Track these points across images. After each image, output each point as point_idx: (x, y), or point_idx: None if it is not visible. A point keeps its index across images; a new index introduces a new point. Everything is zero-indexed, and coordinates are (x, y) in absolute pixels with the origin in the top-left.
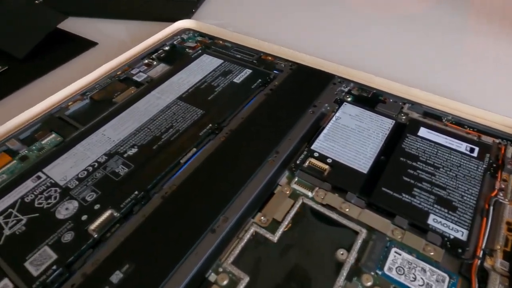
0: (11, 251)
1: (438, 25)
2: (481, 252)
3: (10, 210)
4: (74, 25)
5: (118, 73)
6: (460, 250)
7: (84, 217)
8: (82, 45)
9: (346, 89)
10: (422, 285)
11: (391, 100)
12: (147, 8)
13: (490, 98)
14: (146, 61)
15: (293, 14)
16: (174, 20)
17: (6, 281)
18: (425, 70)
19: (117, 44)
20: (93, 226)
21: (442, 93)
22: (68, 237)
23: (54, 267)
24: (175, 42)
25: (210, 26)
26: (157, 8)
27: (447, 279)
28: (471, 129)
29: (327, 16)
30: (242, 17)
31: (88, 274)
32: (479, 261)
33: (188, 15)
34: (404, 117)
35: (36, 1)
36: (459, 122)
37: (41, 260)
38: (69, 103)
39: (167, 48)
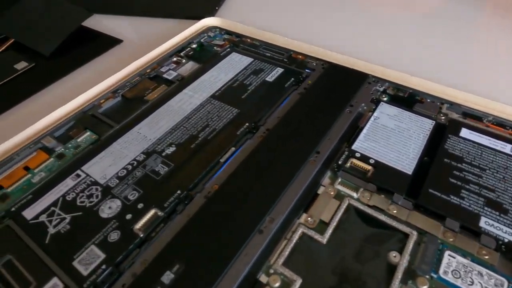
0: (57, 250)
1: (472, 24)
2: None
3: (52, 208)
4: (99, 22)
5: (147, 71)
6: None
7: (128, 216)
8: (107, 42)
9: (381, 89)
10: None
11: (428, 100)
12: (169, 5)
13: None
14: (175, 59)
15: (316, 10)
16: (197, 17)
17: (55, 280)
18: (460, 69)
19: (142, 41)
20: (138, 226)
21: (480, 93)
22: (114, 236)
23: (104, 266)
24: (202, 40)
25: (236, 24)
26: (180, 5)
27: (506, 283)
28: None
29: (354, 14)
30: (265, 14)
31: (138, 274)
32: None
33: (211, 12)
34: (443, 118)
35: None
36: (501, 123)
37: (89, 259)
38: (101, 101)
39: (194, 46)
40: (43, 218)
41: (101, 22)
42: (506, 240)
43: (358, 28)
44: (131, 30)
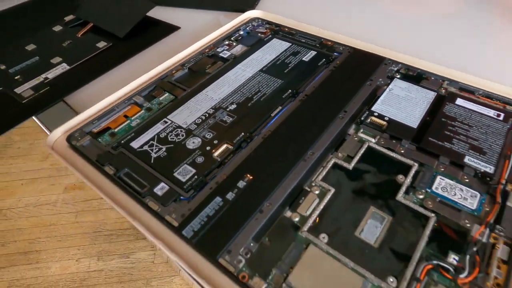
0: (161, 166)
1: (472, 22)
2: (504, 181)
3: (151, 141)
4: (160, 12)
5: (206, 51)
6: (488, 179)
7: (207, 148)
8: (167, 29)
9: (395, 69)
10: (460, 198)
11: (432, 78)
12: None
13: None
14: (227, 42)
15: (342, 4)
16: (240, 10)
17: (162, 184)
18: (459, 55)
19: (195, 29)
20: (216, 154)
21: (474, 73)
22: (200, 159)
23: (195, 177)
24: (248, 28)
25: (276, 16)
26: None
27: (479, 196)
28: (498, 101)
29: (375, 8)
30: (296, 7)
31: (220, 182)
32: (502, 186)
33: (252, 6)
34: (443, 91)
35: None
36: (489, 96)
37: (184, 173)
38: (173, 72)
39: (242, 32)
40: (146, 147)
41: (162, 13)
42: (482, 170)
43: (378, 21)
44: (186, 19)
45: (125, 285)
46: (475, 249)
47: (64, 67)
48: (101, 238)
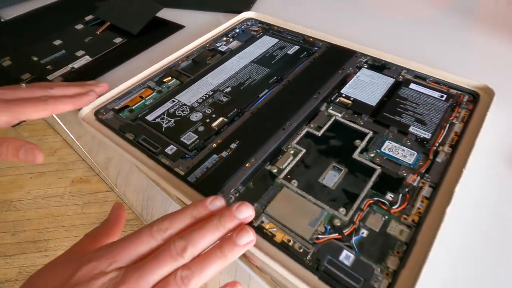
0: (170, 133)
1: (432, 24)
2: (437, 144)
3: (162, 115)
4: (167, 13)
5: (206, 45)
6: (425, 142)
7: (207, 120)
8: (174, 27)
9: (364, 60)
10: (401, 156)
11: (393, 68)
12: (217, 2)
13: (457, 67)
14: (225, 38)
15: (327, 7)
16: (237, 11)
17: (171, 146)
18: (416, 49)
19: (198, 27)
20: (213, 124)
21: (427, 63)
22: (201, 128)
23: (198, 141)
24: (243, 27)
25: (267, 16)
26: (225, 2)
27: (416, 154)
28: (444, 86)
29: (353, 10)
30: (286, 9)
31: (216, 145)
32: (435, 147)
33: (248, 7)
34: (401, 78)
35: None
36: (437, 81)
37: (189, 138)
38: (179, 62)
39: (237, 30)
40: (158, 120)
41: (168, 13)
42: (421, 136)
43: (353, 21)
44: (190, 19)
45: None
46: (406, 189)
47: (87, 59)
48: None
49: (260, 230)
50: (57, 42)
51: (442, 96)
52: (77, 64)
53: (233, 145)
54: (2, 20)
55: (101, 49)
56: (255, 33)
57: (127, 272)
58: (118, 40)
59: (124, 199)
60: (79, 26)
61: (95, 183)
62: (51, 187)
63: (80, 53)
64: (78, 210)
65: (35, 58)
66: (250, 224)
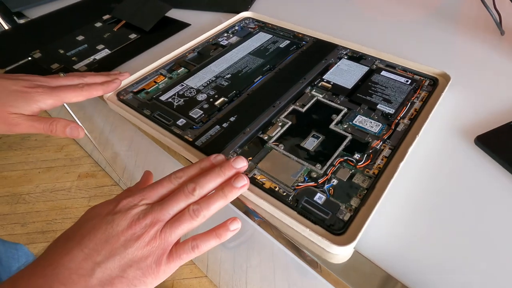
0: (180, 109)
1: (407, 27)
2: (399, 118)
3: (173, 96)
4: (175, 13)
5: (210, 40)
6: (389, 116)
7: (211, 100)
8: (181, 25)
9: (344, 52)
10: (369, 127)
11: (369, 58)
12: (219, 3)
13: (422, 58)
14: (225, 34)
15: (315, 8)
16: (237, 11)
17: (181, 119)
18: (389, 43)
19: (202, 25)
20: (216, 103)
21: (396, 54)
22: (205, 106)
23: (203, 115)
24: (241, 25)
25: (263, 16)
26: (225, 3)
27: (381, 125)
28: (410, 73)
29: (338, 10)
30: (280, 9)
31: (218, 118)
32: (397, 120)
33: (246, 8)
34: (374, 66)
35: None
36: (404, 69)
37: (196, 113)
38: (186, 54)
39: (237, 27)
40: (170, 99)
41: (176, 13)
42: (386, 111)
43: (338, 19)
44: (195, 18)
45: None
46: (370, 151)
47: (106, 51)
48: None
49: (253, 180)
50: (80, 38)
51: (407, 81)
52: (98, 56)
53: (232, 118)
54: (29, 19)
55: (118, 43)
56: (252, 30)
57: (153, 206)
58: (133, 36)
59: None
60: (98, 24)
61: (101, 178)
62: (58, 181)
63: (100, 46)
64: (85, 203)
65: (61, 51)
66: (246, 176)
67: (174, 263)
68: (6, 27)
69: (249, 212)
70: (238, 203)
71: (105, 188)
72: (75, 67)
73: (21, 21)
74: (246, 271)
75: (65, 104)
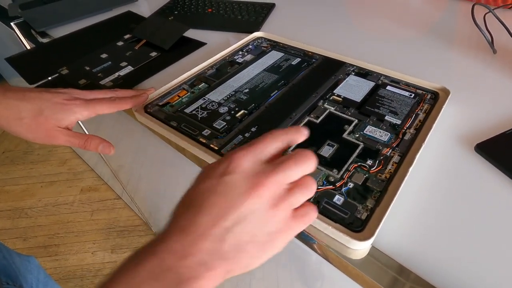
0: (205, 121)
1: (409, 45)
2: (406, 128)
3: (197, 109)
4: (192, 33)
5: (226, 58)
6: (397, 126)
7: (232, 112)
8: (197, 44)
9: (351, 69)
10: (378, 136)
11: (375, 74)
12: (232, 24)
13: (423, 74)
14: (240, 53)
15: (323, 28)
16: (249, 31)
17: (206, 130)
18: (394, 61)
19: (217, 44)
20: (237, 115)
21: (401, 71)
22: (228, 118)
23: (226, 126)
24: (254, 44)
25: (274, 35)
26: (238, 24)
27: (389, 135)
28: (412, 87)
29: (345, 30)
30: (290, 29)
31: (240, 129)
32: (403, 130)
33: (258, 27)
34: (380, 82)
35: (170, 18)
36: (408, 84)
37: (219, 124)
38: (206, 70)
39: (250, 46)
40: (194, 112)
41: (194, 33)
42: (394, 123)
43: (345, 38)
44: (211, 38)
45: None
46: (381, 158)
47: (129, 68)
48: (114, 233)
49: None
50: (103, 56)
51: (411, 95)
52: (122, 72)
53: (253, 129)
54: (52, 38)
55: (140, 61)
56: (265, 48)
57: (274, 167)
58: (153, 54)
59: (132, 206)
60: (119, 43)
61: (104, 191)
62: (61, 195)
63: (123, 64)
64: (88, 216)
65: (87, 68)
66: None
67: (299, 223)
68: (29, 47)
69: None
70: None
71: (108, 202)
72: (102, 82)
73: (45, 40)
74: (250, 284)
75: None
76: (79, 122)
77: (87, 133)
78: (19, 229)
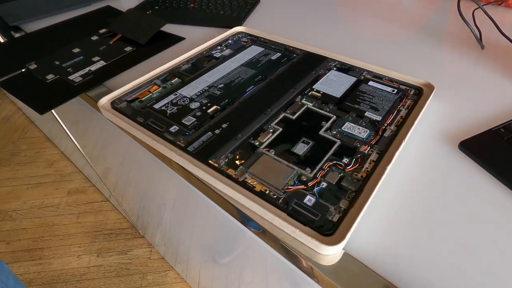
0: (173, 117)
1: (394, 43)
2: (386, 124)
3: (166, 104)
4: (170, 27)
5: (203, 52)
6: (376, 123)
7: (204, 108)
8: (175, 39)
9: (333, 64)
10: (357, 133)
11: (356, 70)
12: (213, 18)
13: (408, 69)
14: (219, 47)
15: (305, 23)
16: (230, 26)
17: (174, 126)
18: (376, 56)
19: (196, 39)
20: (209, 110)
21: (383, 65)
22: (198, 113)
23: (196, 122)
24: (234, 39)
25: (255, 30)
26: (219, 19)
27: (368, 131)
28: (396, 83)
29: (327, 25)
30: (270, 24)
31: (212, 124)
32: (384, 127)
33: (240, 22)
34: (362, 77)
35: (148, 12)
36: (391, 79)
37: (188, 120)
38: (181, 65)
39: (230, 41)
40: (163, 108)
41: (172, 28)
42: (374, 119)
43: (327, 33)
44: (189, 33)
45: (122, 279)
46: (359, 155)
47: (102, 63)
48: (101, 236)
49: (244, 183)
50: (76, 50)
51: (393, 90)
52: (93, 67)
53: (224, 125)
54: (26, 32)
55: (114, 56)
56: (244, 43)
57: None
58: (128, 48)
59: (120, 208)
60: (94, 38)
61: (91, 194)
62: (47, 197)
63: (96, 58)
64: (74, 219)
65: (57, 62)
66: (235, 179)
67: None
68: (2, 41)
69: (245, 222)
70: (232, 209)
71: (95, 204)
72: (70, 77)
73: (18, 35)
74: None
75: (58, 120)
76: (61, 122)
77: (68, 133)
78: (2, 232)
